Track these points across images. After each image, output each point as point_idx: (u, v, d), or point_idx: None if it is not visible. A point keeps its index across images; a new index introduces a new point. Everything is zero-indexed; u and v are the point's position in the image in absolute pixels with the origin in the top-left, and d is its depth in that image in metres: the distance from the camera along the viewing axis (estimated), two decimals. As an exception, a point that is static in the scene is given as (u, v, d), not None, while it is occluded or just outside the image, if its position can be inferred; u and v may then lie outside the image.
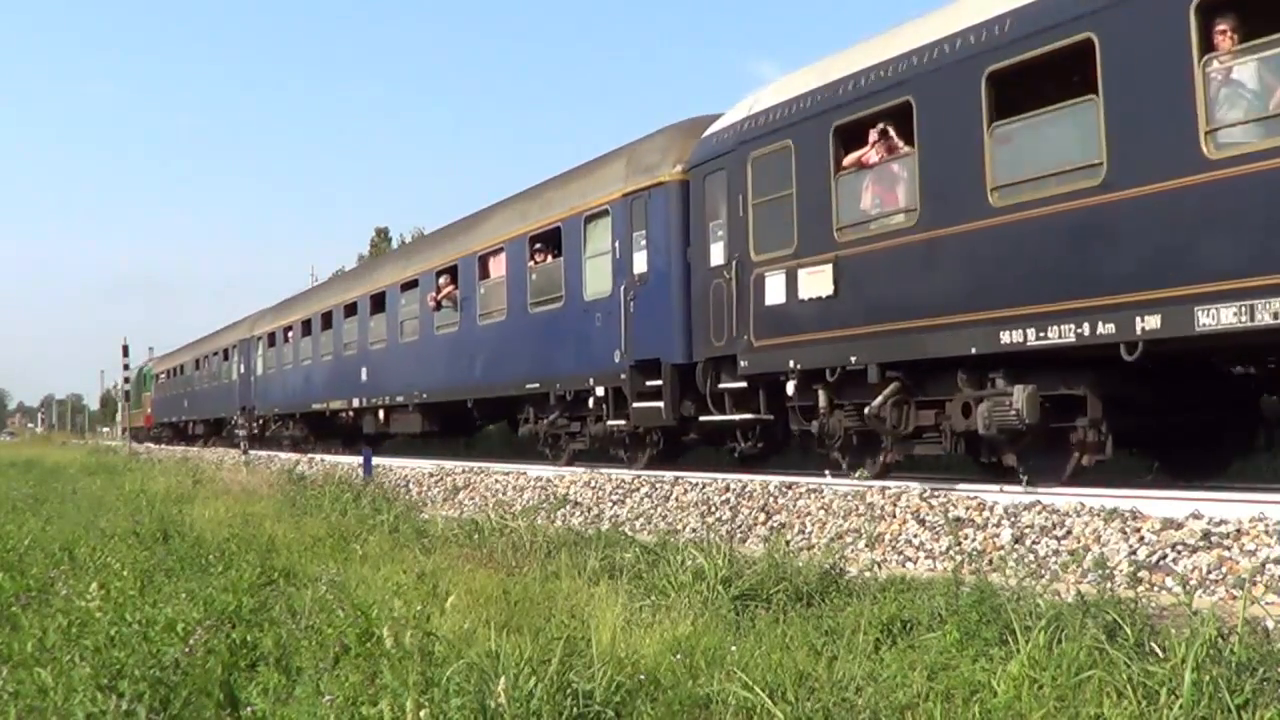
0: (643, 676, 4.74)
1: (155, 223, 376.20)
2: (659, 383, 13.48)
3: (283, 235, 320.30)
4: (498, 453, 22.80)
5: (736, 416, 12.50)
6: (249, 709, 4.55)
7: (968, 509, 8.40)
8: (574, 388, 15.37)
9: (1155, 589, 6.33)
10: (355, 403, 24.42)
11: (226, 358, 37.33)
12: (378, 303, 23.55)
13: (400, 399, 21.83)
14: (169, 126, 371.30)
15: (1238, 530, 6.67)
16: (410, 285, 21.56)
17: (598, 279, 14.89)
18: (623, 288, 14.12)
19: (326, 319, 27.12)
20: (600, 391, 14.67)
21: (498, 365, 17.69)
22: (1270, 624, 5.17)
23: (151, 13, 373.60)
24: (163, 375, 51.93)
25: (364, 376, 23.75)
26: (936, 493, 8.95)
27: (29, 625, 6.01)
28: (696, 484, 11.62)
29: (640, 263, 13.94)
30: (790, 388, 11.31)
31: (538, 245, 16.66)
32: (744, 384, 12.17)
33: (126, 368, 47.62)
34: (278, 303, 34.97)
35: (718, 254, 12.51)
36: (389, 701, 4.22)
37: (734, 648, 5.26)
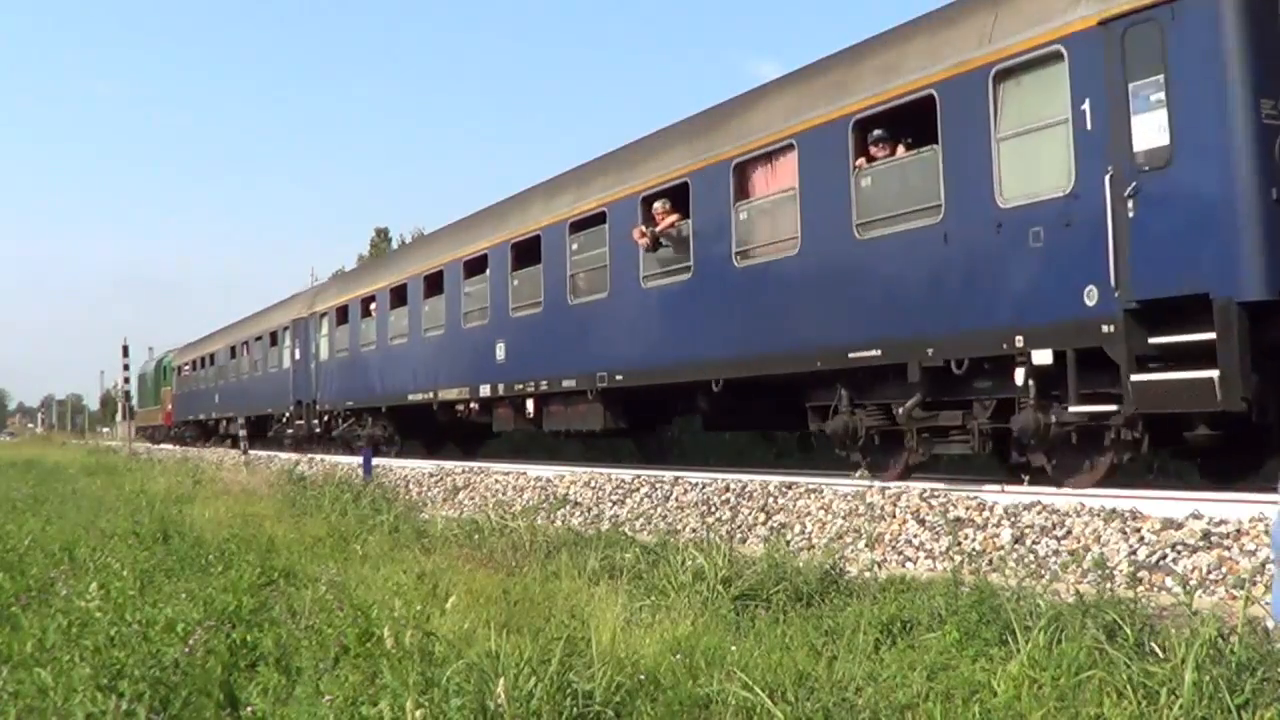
0: (643, 676, 4.74)
1: (155, 223, 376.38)
2: (1197, 336, 7.98)
3: (283, 235, 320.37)
4: (505, 454, 22.30)
5: None
6: (249, 709, 4.55)
7: (968, 509, 8.41)
8: (970, 353, 9.59)
9: (1155, 589, 6.33)
10: (484, 391, 17.93)
11: (275, 342, 30.77)
12: (524, 253, 17.05)
13: (570, 383, 15.47)
14: (169, 126, 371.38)
15: (1238, 530, 6.67)
16: (587, 223, 15.29)
17: (1035, 171, 9.19)
18: (1107, 179, 8.43)
19: (433, 282, 20.35)
20: (1042, 358, 9.00)
21: (781, 326, 11.66)
22: (1270, 624, 5.16)
23: (152, 12, 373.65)
24: (186, 366, 44.76)
25: (500, 355, 17.45)
26: (936, 493, 8.95)
27: (29, 625, 6.02)
28: (696, 484, 11.62)
29: (1150, 133, 8.34)
30: None
31: (876, 133, 10.61)
32: None
33: (126, 368, 45.14)
34: (349, 270, 28.26)
35: None
36: (389, 702, 4.22)
37: (734, 648, 5.25)
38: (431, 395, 20.03)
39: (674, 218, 13.46)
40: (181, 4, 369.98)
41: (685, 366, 13.24)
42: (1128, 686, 4.16)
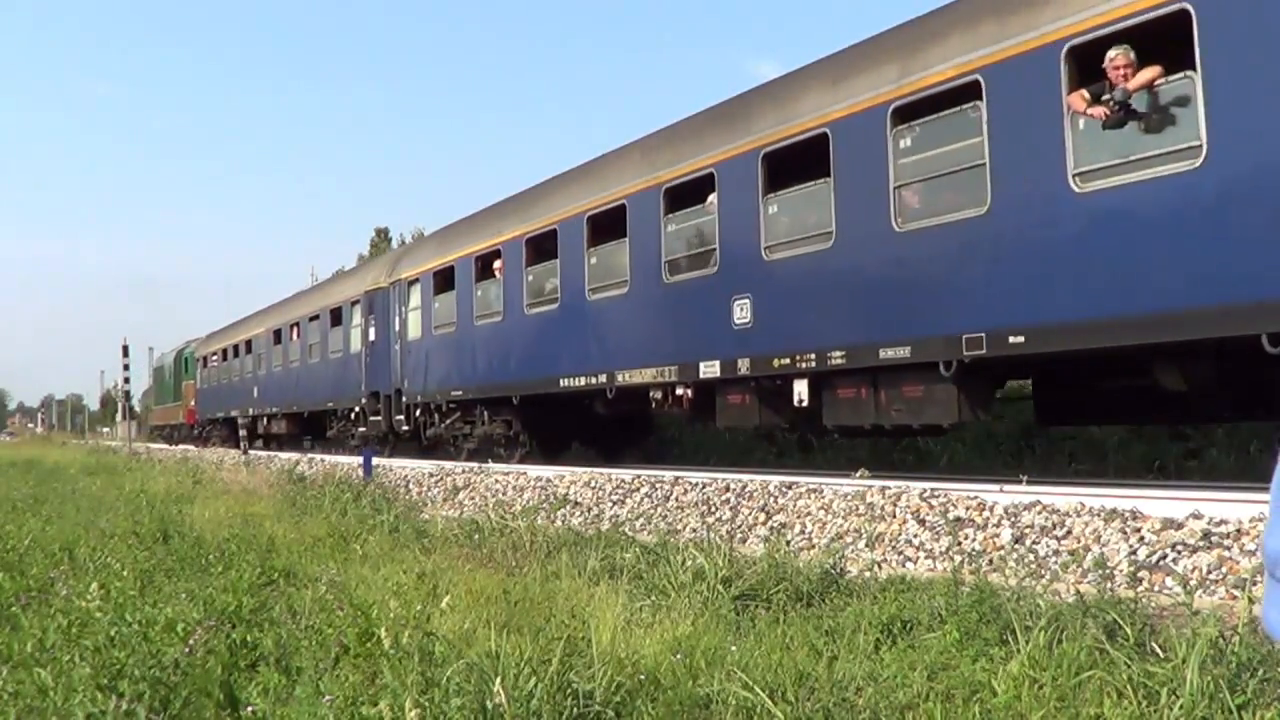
0: (643, 676, 4.74)
1: (155, 223, 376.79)
2: None
3: (283, 235, 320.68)
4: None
5: None
6: (249, 709, 4.55)
7: (968, 509, 8.41)
8: None
9: (1155, 589, 6.33)
10: (707, 370, 12.76)
11: (337, 321, 25.11)
12: (786, 164, 11.91)
13: (895, 353, 10.30)
14: (169, 126, 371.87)
15: (1238, 530, 6.67)
16: (929, 104, 10.02)
17: None
18: None
19: (604, 224, 14.85)
20: None
21: None
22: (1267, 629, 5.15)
23: (152, 12, 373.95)
24: (214, 357, 38.80)
25: (742, 316, 12.14)
26: (936, 493, 8.95)
27: (29, 625, 6.02)
28: (696, 484, 11.62)
29: None
30: None
31: None
32: None
33: (126, 368, 44.44)
34: (454, 222, 20.62)
35: None
36: (389, 702, 4.22)
37: (734, 648, 5.25)
38: (604, 379, 14.57)
39: (1152, 72, 8.26)
40: (182, 4, 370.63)
41: (1214, 314, 7.78)
42: (1128, 686, 4.16)
